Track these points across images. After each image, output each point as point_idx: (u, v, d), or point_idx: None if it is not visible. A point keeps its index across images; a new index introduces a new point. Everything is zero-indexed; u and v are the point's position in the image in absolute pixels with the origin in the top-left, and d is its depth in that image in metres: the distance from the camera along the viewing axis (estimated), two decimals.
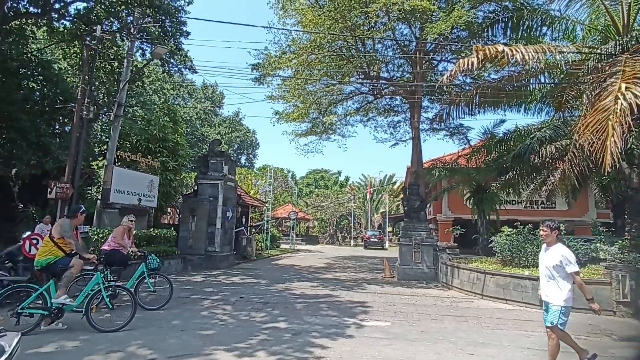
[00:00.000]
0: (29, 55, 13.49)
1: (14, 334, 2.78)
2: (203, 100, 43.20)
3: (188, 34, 15.26)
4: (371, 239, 33.15)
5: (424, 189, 16.02)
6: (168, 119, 14.31)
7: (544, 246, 4.86)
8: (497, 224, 13.14)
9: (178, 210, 18.10)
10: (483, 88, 12.65)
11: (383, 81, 16.80)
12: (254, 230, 20.97)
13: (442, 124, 17.41)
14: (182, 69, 17.04)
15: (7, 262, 7.61)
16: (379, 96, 17.62)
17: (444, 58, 16.96)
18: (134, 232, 8.22)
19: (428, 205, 18.32)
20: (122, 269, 7.41)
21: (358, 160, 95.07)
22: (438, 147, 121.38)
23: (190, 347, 5.37)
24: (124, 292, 6.40)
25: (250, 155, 52.22)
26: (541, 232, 4.85)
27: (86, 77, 10.91)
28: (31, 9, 13.67)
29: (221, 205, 14.53)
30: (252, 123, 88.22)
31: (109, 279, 6.34)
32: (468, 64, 7.57)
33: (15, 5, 13.24)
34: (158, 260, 7.61)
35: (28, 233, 8.08)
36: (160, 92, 33.28)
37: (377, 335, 6.25)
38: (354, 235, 39.60)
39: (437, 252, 13.28)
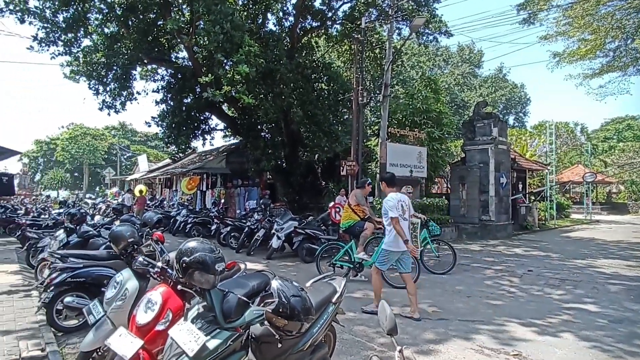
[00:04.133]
0: (316, 62, 16.76)
1: (342, 278, 3.43)
2: (460, 64, 41.39)
3: None
4: None
5: None
6: (429, 90, 14.44)
7: None
8: None
9: (446, 179, 18.20)
10: None
11: None
12: (533, 197, 18.39)
13: None
14: (438, 36, 16.74)
15: (321, 225, 9.81)
16: None
17: None
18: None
19: None
20: None
21: None
22: None
23: (479, 313, 5.21)
24: None
25: (520, 114, 46.08)
26: None
27: (358, 67, 12.47)
28: (313, 24, 16.92)
29: (493, 171, 13.47)
30: (519, 76, 77.57)
31: None
32: None
33: (303, 24, 16.69)
34: (439, 227, 7.80)
35: (332, 203, 10.12)
36: (417, 67, 34.31)
37: None
38: None
39: None
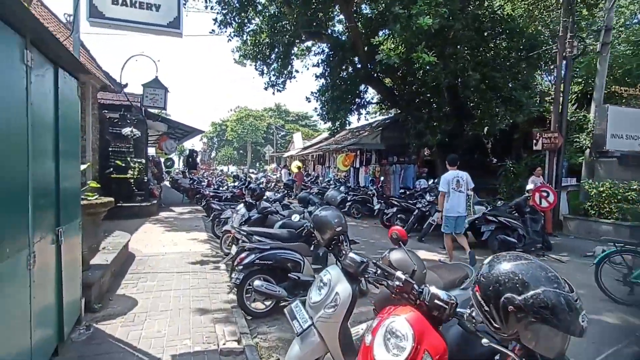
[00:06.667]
0: (494, 14, 13.85)
1: None
2: None
3: None
4: None
5: None
6: None
7: None
8: None
9: None
10: None
11: None
12: None
13: None
14: None
15: (514, 212, 7.83)
16: None
17: None
18: None
19: None
20: None
21: None
22: None
23: None
24: None
25: None
26: None
27: (567, 7, 9.61)
28: None
29: None
30: None
31: None
32: None
33: None
34: None
35: (532, 186, 7.98)
36: (617, 12, 26.60)
37: None
38: None
39: None
